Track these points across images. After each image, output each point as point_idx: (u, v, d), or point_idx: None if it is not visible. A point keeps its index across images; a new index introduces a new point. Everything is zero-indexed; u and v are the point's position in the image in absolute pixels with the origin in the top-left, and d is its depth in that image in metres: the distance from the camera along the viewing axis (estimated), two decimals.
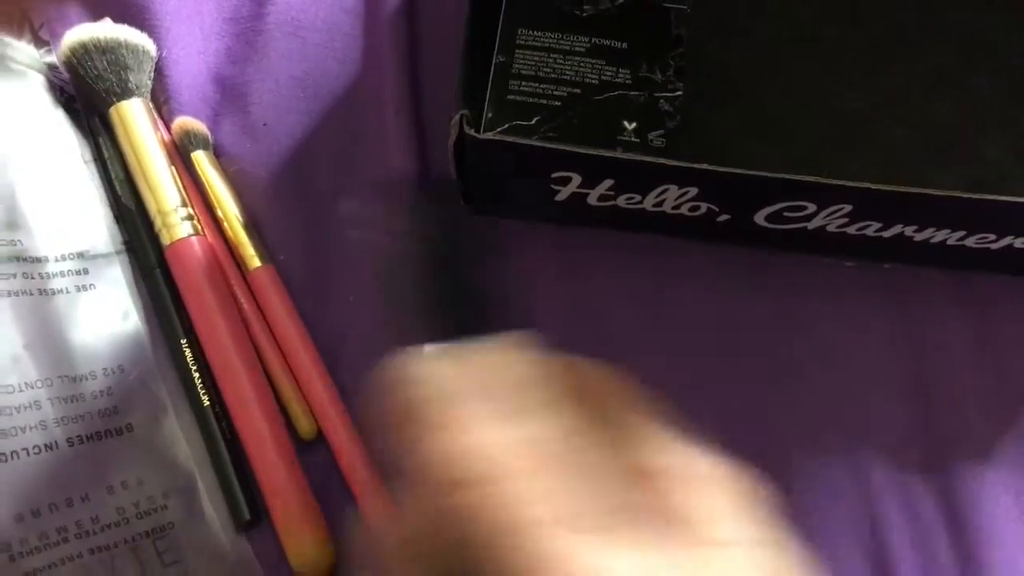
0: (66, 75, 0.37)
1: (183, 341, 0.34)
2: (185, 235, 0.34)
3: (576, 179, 0.32)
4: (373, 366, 0.33)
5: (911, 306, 0.36)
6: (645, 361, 0.33)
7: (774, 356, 0.35)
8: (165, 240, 0.34)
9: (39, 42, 0.38)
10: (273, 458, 0.32)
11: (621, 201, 0.33)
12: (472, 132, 0.31)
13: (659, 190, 0.32)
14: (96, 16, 0.39)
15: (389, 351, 0.33)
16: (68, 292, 0.34)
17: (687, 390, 0.30)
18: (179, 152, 0.37)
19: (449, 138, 0.32)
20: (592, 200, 0.33)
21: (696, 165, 0.31)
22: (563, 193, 0.33)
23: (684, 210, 0.33)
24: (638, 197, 0.33)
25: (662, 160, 0.31)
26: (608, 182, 0.32)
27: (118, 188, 0.36)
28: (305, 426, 0.34)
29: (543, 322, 0.35)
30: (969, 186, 0.31)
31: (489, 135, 0.31)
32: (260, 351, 0.34)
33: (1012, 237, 0.33)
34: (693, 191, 0.32)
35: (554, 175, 0.32)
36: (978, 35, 0.33)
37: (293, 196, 0.37)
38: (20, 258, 0.33)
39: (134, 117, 0.35)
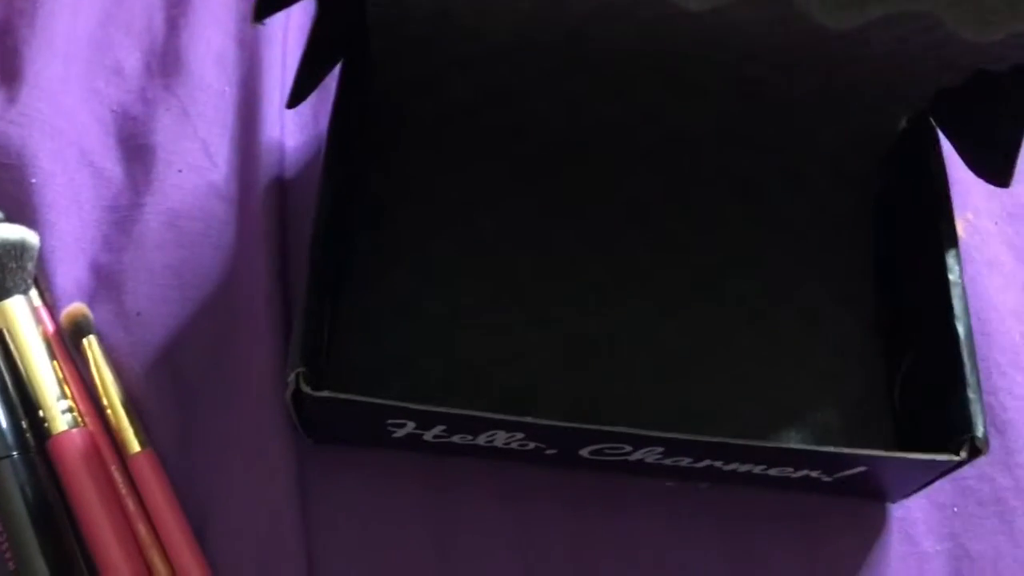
0: None
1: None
2: (64, 428, 0.37)
3: (410, 424, 0.35)
4: (240, 544, 0.37)
5: (734, 522, 0.39)
6: None
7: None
8: (48, 433, 0.37)
9: None
10: None
11: (456, 439, 0.36)
12: (307, 390, 0.33)
13: (489, 433, 0.35)
14: None
15: (257, 529, 0.36)
16: None
17: None
18: (64, 340, 0.39)
19: (286, 391, 0.33)
20: (428, 438, 0.36)
21: (520, 419, 0.33)
22: (400, 432, 0.35)
23: (514, 446, 0.36)
24: (471, 437, 0.35)
25: (487, 415, 0.34)
26: (440, 427, 0.35)
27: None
28: None
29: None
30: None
31: (324, 393, 0.33)
32: (137, 535, 0.37)
33: (807, 470, 0.36)
34: (520, 435, 0.35)
35: (389, 421, 0.35)
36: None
37: (165, 384, 0.39)
38: None
39: (16, 316, 0.38)
